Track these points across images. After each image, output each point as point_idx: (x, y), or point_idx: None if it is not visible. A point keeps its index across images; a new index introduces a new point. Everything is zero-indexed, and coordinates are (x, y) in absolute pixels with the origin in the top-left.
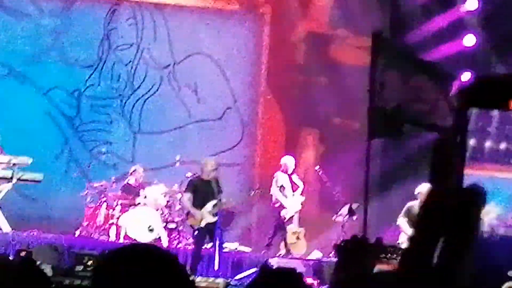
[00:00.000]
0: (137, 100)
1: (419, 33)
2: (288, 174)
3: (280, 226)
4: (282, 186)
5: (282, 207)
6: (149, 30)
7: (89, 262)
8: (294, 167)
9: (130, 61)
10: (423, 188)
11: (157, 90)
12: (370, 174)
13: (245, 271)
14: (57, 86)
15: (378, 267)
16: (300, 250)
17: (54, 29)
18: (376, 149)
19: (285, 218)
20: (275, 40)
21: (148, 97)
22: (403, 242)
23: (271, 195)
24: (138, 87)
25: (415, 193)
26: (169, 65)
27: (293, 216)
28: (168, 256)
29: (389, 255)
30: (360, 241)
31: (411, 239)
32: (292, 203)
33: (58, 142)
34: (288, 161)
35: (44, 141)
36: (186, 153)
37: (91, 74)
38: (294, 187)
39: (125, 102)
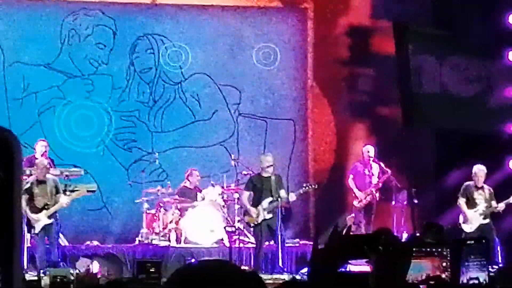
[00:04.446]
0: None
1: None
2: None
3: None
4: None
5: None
6: (165, 56)
7: (152, 269)
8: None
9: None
10: (479, 168)
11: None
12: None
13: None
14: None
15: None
16: None
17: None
18: (430, 134)
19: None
20: (319, 34)
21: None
22: (462, 222)
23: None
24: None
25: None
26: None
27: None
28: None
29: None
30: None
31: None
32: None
33: (100, 147)
34: (368, 149)
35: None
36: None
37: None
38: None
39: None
